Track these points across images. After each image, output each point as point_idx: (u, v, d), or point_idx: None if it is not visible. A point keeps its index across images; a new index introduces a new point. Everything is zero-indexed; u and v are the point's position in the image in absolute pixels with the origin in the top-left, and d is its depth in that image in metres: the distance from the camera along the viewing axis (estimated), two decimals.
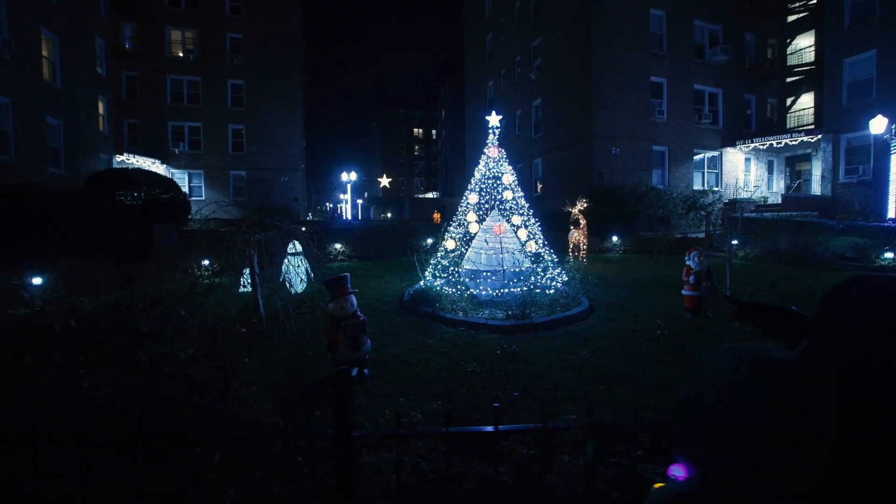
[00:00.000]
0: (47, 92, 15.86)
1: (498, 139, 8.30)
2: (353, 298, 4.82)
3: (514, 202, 8.31)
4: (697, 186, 21.30)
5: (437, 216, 44.62)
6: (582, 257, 11.59)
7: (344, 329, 4.67)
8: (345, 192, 40.13)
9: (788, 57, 23.36)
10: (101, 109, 21.37)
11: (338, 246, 12.30)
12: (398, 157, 59.21)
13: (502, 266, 7.11)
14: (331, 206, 64.34)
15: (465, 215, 8.46)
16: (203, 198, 27.53)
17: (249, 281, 9.47)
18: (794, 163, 23.03)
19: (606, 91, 19.36)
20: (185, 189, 27.18)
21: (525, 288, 7.17)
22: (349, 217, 37.45)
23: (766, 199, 21.24)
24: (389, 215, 57.68)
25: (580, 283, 8.30)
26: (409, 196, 59.53)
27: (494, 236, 7.57)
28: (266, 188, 27.87)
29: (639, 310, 7.75)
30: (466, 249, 8.27)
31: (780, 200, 19.83)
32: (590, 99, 19.29)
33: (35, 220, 11.54)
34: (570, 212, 11.60)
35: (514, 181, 8.22)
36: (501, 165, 8.14)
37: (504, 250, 7.25)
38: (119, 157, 23.11)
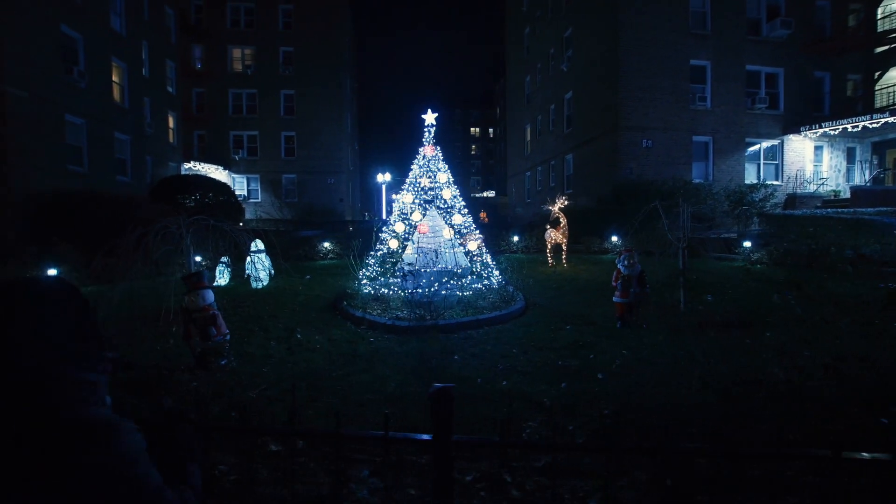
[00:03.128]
0: (116, 112, 18.64)
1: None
2: (208, 294, 5.20)
3: (454, 199, 8.20)
4: (751, 180, 18.86)
5: (483, 215, 44.42)
6: (563, 258, 10.97)
7: (195, 321, 5.08)
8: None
9: (879, 22, 19.64)
10: (170, 123, 24.52)
11: (327, 245, 12.94)
12: (455, 156, 59.71)
13: (415, 265, 7.09)
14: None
15: (410, 215, 8.51)
16: (259, 200, 30.34)
17: (230, 274, 10.37)
18: (885, 149, 19.38)
19: (635, 79, 17.91)
20: (244, 192, 30.19)
21: (443, 289, 7.08)
22: (384, 218, 38.70)
23: (837, 192, 18.17)
24: None
25: (512, 283, 7.95)
26: (467, 196, 59.79)
27: (419, 236, 7.57)
28: (304, 189, 29.93)
29: (573, 316, 7.26)
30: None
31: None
32: (616, 88, 18.00)
33: (90, 220, 13.71)
34: (550, 210, 11.04)
35: (448, 179, 8.11)
36: (436, 164, 8.07)
37: (420, 250, 7.22)
38: (187, 165, 26.31)
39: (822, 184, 18.55)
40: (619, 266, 6.65)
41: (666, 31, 17.93)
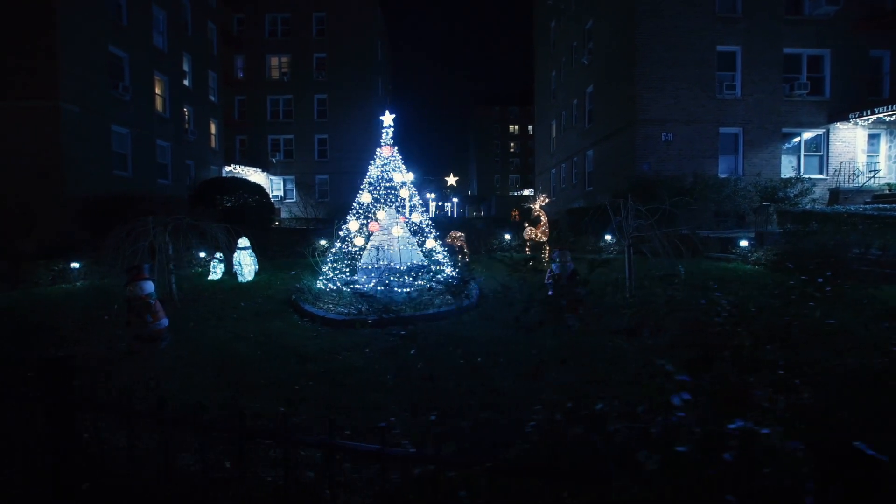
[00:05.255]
0: (158, 121, 20.57)
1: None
2: (146, 284, 5.76)
3: (411, 198, 8.35)
4: (790, 174, 17.23)
5: (515, 213, 43.77)
6: (544, 257, 10.74)
7: (133, 308, 5.66)
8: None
9: None
10: (212, 130, 26.58)
11: (323, 242, 13.54)
12: (493, 154, 59.31)
13: (361, 262, 7.33)
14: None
15: (373, 215, 8.76)
16: (294, 199, 32.02)
17: (224, 269, 11.18)
18: None
19: (655, 69, 16.95)
20: (281, 193, 31.97)
21: (379, 285, 7.27)
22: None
23: (893, 186, 16.11)
24: (482, 213, 58.47)
25: (470, 281, 7.94)
26: (504, 194, 59.29)
27: (371, 234, 7.80)
28: (335, 189, 31.15)
29: (516, 315, 7.16)
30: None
31: None
32: (633, 80, 17.14)
33: (119, 220, 15.29)
34: (531, 208, 10.83)
35: (404, 179, 8.26)
36: (394, 164, 8.25)
37: (373, 248, 7.44)
38: (228, 168, 28.36)
39: (874, 176, 16.53)
40: (552, 265, 6.50)
41: (690, 17, 16.80)
